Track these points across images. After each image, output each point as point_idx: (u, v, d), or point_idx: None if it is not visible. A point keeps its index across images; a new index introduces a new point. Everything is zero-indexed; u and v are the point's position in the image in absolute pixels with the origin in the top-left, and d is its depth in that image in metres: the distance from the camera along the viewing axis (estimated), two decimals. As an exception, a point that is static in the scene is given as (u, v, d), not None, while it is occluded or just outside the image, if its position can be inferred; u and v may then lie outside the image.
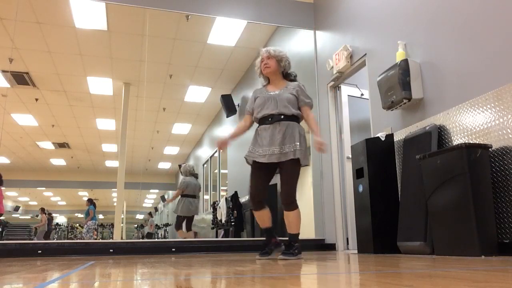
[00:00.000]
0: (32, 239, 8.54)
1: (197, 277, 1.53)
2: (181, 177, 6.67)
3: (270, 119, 3.15)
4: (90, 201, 8.09)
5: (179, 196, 6.49)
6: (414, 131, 3.54)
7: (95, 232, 9.09)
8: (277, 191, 6.34)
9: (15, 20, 5.82)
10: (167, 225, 8.87)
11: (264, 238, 3.26)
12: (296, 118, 3.18)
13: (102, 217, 10.02)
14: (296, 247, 3.02)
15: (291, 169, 3.02)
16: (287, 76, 3.37)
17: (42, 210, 8.73)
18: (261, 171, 3.16)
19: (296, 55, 6.24)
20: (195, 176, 6.74)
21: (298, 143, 3.04)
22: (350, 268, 1.90)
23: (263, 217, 3.19)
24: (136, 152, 7.84)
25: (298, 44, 6.22)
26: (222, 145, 3.23)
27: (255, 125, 3.32)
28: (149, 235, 8.74)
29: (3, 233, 8.71)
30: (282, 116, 3.12)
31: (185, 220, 6.44)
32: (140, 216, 9.26)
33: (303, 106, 3.21)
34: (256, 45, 6.18)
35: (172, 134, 8.71)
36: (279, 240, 3.22)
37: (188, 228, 6.42)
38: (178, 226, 6.40)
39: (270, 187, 6.29)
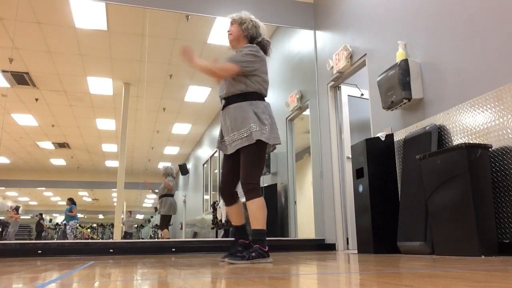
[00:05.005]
0: (31, 239, 8.53)
1: (197, 277, 1.53)
2: (169, 178, 6.74)
3: (223, 102, 2.83)
4: (72, 200, 8.06)
5: (163, 197, 6.58)
6: (414, 131, 3.54)
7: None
8: (277, 191, 6.35)
9: (15, 20, 5.82)
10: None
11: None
12: (246, 96, 2.74)
13: (102, 217, 10.02)
14: (255, 249, 2.55)
15: (247, 154, 2.68)
16: (252, 41, 2.89)
17: (16, 208, 8.65)
18: (228, 162, 2.87)
19: (296, 55, 6.24)
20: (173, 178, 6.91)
21: (252, 124, 2.65)
22: (350, 268, 1.90)
23: (234, 213, 2.85)
24: (136, 152, 7.84)
25: (298, 44, 6.22)
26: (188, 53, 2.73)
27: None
28: (129, 235, 8.73)
29: (3, 233, 8.70)
30: (232, 98, 2.75)
31: (170, 219, 6.54)
32: (140, 216, 9.26)
33: None
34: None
35: (172, 134, 8.71)
36: (249, 242, 2.75)
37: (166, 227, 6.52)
38: (165, 226, 6.48)
39: (270, 187, 6.30)
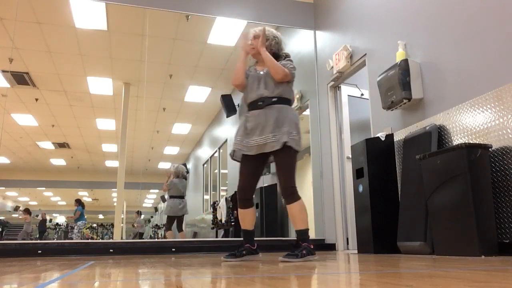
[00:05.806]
0: (31, 239, 8.53)
1: (197, 277, 1.53)
2: (176, 179, 6.68)
3: (261, 103, 2.90)
4: (78, 202, 8.06)
5: (168, 198, 6.54)
6: (414, 131, 3.54)
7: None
8: (276, 191, 6.35)
9: (15, 20, 5.82)
10: (167, 225, 8.87)
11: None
12: (288, 101, 2.96)
13: (102, 217, 10.02)
14: (304, 247, 2.69)
15: (286, 157, 2.77)
16: (276, 57, 3.07)
17: (27, 210, 8.64)
18: (251, 165, 2.90)
19: (296, 55, 6.24)
20: (185, 178, 6.79)
21: (292, 131, 2.80)
22: (350, 268, 1.90)
23: (248, 217, 2.93)
24: (136, 152, 7.84)
25: (298, 44, 6.22)
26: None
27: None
28: (140, 235, 8.74)
29: (3, 233, 8.71)
30: (275, 99, 2.89)
31: (174, 220, 6.48)
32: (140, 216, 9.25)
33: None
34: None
35: (172, 134, 8.71)
36: (255, 248, 2.94)
37: (180, 229, 6.43)
38: (168, 227, 6.44)
39: (270, 187, 6.31)
